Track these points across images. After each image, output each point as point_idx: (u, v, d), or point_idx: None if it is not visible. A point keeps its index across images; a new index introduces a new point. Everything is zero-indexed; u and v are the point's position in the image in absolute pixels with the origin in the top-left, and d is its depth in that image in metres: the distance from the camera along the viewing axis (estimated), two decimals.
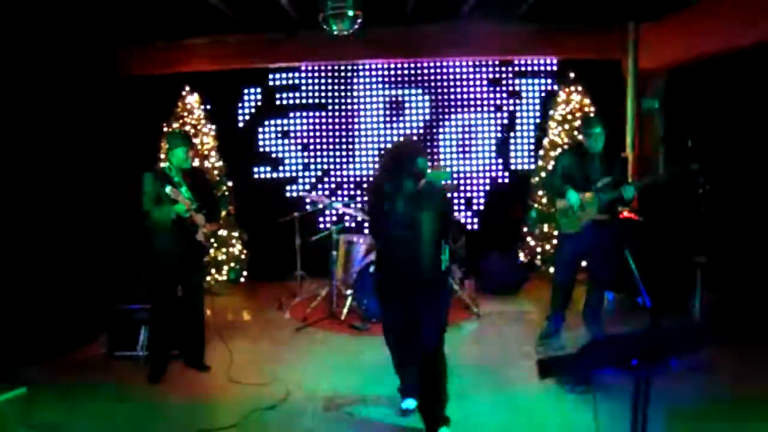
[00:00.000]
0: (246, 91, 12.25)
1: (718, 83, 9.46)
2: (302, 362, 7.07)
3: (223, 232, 11.37)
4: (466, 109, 12.19)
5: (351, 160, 12.35)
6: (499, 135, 12.22)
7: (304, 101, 12.31)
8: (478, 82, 12.10)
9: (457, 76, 12.11)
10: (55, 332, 8.24)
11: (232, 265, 11.58)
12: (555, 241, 10.22)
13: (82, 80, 9.67)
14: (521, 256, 11.52)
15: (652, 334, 3.58)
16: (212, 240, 10.87)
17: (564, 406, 6.20)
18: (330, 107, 12.35)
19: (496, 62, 11.94)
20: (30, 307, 8.12)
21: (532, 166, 11.96)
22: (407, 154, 5.54)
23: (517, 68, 12.03)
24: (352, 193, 12.28)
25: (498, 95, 12.14)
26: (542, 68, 11.99)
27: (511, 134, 12.21)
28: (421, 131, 12.25)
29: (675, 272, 8.52)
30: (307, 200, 11.30)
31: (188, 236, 7.20)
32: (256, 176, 12.40)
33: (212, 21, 10.45)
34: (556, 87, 11.67)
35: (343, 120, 12.37)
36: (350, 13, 8.05)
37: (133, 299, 7.91)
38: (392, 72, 12.18)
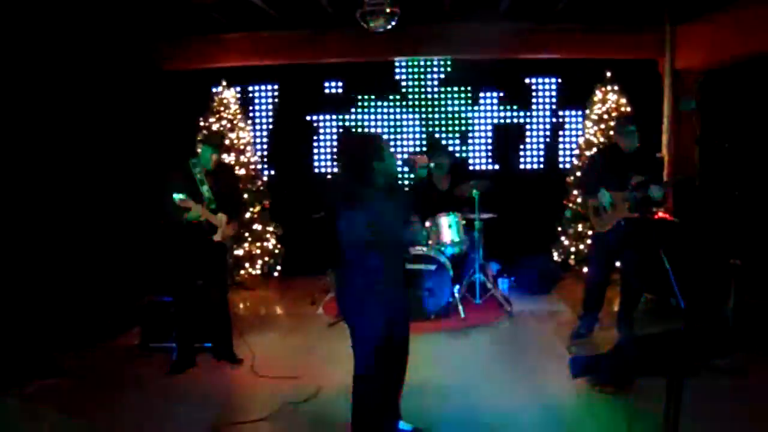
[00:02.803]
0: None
1: (755, 84, 9.36)
2: (334, 358, 7.09)
3: (257, 227, 11.43)
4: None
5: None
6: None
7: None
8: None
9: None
10: (91, 323, 8.37)
11: (266, 259, 11.63)
12: (589, 241, 10.17)
13: (121, 75, 9.76)
14: (555, 255, 11.48)
15: (685, 336, 3.57)
16: (245, 234, 10.94)
17: (596, 407, 6.14)
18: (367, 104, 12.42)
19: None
20: (67, 298, 8.25)
21: (567, 165, 11.93)
22: (375, 148, 5.18)
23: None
24: None
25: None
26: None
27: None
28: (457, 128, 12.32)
29: (709, 275, 8.45)
30: None
31: (206, 235, 7.27)
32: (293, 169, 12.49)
33: (250, 17, 10.50)
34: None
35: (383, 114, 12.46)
36: (387, 10, 8.06)
37: (166, 291, 7.97)
38: (431, 67, 12.26)
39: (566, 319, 8.94)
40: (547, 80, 12.30)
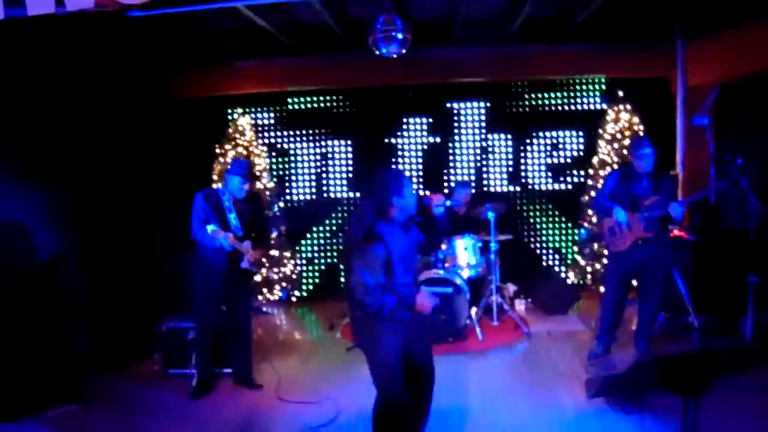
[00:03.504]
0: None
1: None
2: (353, 382, 7.12)
3: (275, 252, 11.49)
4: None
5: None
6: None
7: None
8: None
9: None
10: (113, 348, 8.44)
11: (284, 284, 11.69)
12: (605, 261, 10.18)
13: (135, 103, 9.86)
14: (572, 276, 11.49)
15: (702, 355, 3.58)
16: (264, 260, 11.00)
17: (614, 427, 6.16)
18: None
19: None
20: (89, 323, 8.33)
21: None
22: (397, 183, 5.17)
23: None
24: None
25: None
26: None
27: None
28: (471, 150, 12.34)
29: (726, 292, 8.44)
30: None
31: (233, 262, 7.31)
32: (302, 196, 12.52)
33: (263, 44, 10.60)
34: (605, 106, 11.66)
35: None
36: (399, 36, 8.13)
37: (186, 318, 8.03)
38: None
39: (584, 339, 8.93)
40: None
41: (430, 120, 12.32)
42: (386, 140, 12.32)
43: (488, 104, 12.22)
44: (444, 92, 12.20)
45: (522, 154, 12.27)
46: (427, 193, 11.68)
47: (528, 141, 12.22)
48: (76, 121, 8.56)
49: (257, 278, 11.16)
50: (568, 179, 12.22)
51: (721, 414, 5.86)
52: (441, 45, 11.00)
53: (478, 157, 12.34)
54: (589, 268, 11.24)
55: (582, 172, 12.04)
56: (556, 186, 12.25)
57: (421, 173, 12.38)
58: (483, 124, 12.30)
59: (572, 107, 12.11)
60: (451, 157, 12.37)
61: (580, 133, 12.10)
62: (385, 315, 4.97)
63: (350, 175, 12.44)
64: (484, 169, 12.36)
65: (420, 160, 12.39)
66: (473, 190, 10.87)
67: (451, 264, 9.61)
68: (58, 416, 6.85)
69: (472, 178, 12.26)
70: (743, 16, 9.23)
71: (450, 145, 12.36)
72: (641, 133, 10.79)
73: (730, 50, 9.89)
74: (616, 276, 7.97)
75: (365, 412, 5.22)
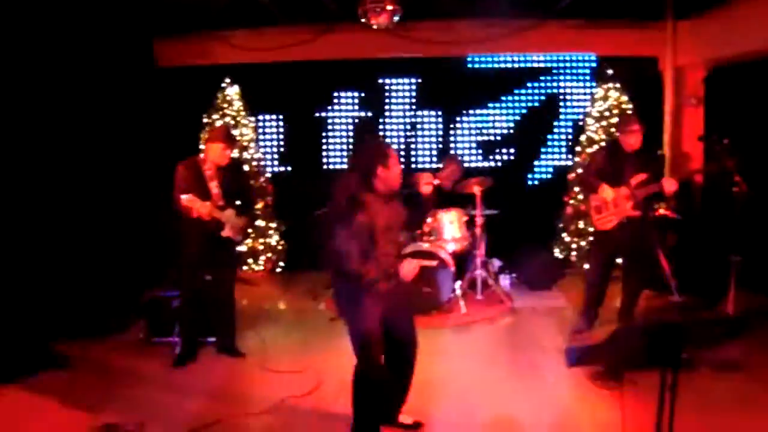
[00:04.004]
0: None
1: (760, 81, 9.36)
2: (335, 352, 7.11)
3: (260, 223, 11.49)
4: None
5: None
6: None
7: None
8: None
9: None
10: (98, 316, 8.45)
11: (269, 255, 11.69)
12: (590, 238, 10.20)
13: (120, 71, 9.77)
14: (556, 252, 11.51)
15: (681, 324, 3.60)
16: (249, 230, 10.97)
17: (593, 401, 6.21)
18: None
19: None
20: (74, 290, 8.33)
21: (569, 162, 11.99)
22: (383, 155, 5.18)
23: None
24: None
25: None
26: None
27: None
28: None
29: (710, 271, 8.49)
30: None
31: (214, 231, 7.30)
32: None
33: (253, 13, 10.53)
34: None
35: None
36: (389, 7, 8.09)
37: (171, 286, 8.04)
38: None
39: (567, 315, 8.96)
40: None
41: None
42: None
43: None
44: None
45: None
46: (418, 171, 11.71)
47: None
48: (54, 89, 8.47)
49: (242, 248, 11.13)
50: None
51: (699, 388, 5.93)
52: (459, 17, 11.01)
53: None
54: (574, 245, 11.27)
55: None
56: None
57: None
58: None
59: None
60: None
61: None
62: (366, 284, 4.99)
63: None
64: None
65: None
66: (459, 165, 10.82)
67: (437, 237, 9.62)
68: (41, 383, 6.84)
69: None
70: None
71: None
72: (629, 112, 10.79)
73: (720, 31, 9.88)
74: (601, 254, 7.99)
75: (347, 382, 5.24)
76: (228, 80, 11.51)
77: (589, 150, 10.89)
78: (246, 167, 11.02)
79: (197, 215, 6.99)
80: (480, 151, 12.29)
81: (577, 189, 11.05)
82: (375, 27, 8.33)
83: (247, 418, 6.02)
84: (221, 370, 7.34)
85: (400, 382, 5.53)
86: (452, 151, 12.22)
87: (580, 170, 10.81)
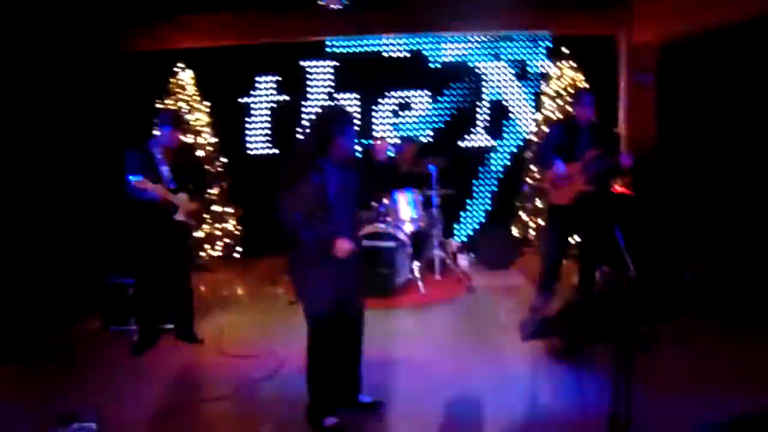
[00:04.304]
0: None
1: (713, 58, 9.43)
2: (294, 335, 7.02)
3: (217, 208, 11.40)
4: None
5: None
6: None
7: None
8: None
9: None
10: (52, 307, 8.34)
11: (226, 240, 11.61)
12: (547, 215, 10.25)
13: (78, 57, 9.67)
14: (514, 231, 11.55)
15: (634, 295, 3.61)
16: (205, 215, 10.90)
17: (553, 377, 6.25)
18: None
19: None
20: (27, 282, 8.21)
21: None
22: (339, 121, 5.21)
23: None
24: None
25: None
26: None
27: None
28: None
29: (666, 247, 8.56)
30: None
31: (167, 215, 7.23)
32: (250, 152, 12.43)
33: None
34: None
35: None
36: None
37: (128, 273, 7.95)
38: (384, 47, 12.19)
39: (525, 293, 8.99)
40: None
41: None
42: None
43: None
44: None
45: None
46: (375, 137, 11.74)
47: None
48: (10, 72, 8.36)
49: (200, 234, 11.05)
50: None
51: (654, 363, 5.98)
52: None
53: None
54: (531, 224, 11.31)
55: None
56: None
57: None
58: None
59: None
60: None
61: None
62: (311, 248, 5.02)
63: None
64: None
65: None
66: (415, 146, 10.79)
67: (393, 218, 9.61)
68: None
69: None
70: None
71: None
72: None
73: (674, 8, 9.92)
74: (557, 229, 8.03)
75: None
76: (182, 65, 11.38)
77: (544, 128, 10.92)
78: (201, 152, 10.94)
79: (150, 189, 6.91)
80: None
81: (533, 167, 11.08)
82: (327, 7, 8.26)
83: (206, 403, 5.99)
84: (179, 357, 7.27)
85: (351, 359, 5.53)
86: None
87: (535, 148, 10.84)
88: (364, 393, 5.68)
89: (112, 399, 6.13)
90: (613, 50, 11.23)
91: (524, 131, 12.11)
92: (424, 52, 12.07)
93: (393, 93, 12.24)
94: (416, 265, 9.48)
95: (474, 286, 9.52)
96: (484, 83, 12.18)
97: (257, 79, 12.26)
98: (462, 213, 11.98)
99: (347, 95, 12.29)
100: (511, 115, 12.23)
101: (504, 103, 12.21)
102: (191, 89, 11.43)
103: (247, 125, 12.33)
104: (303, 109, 12.30)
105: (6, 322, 7.61)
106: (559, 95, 11.10)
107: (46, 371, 6.93)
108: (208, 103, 11.72)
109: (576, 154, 7.61)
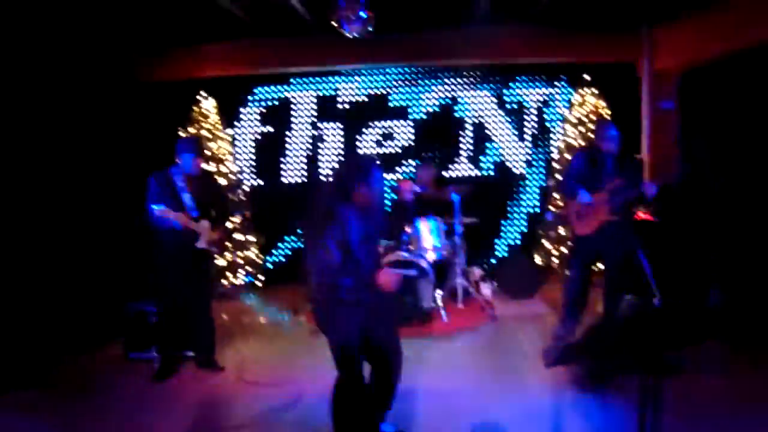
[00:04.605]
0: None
1: (734, 83, 9.39)
2: (316, 365, 7.07)
3: (239, 236, 11.41)
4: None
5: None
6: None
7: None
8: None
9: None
10: (75, 332, 8.37)
11: (249, 269, 11.61)
12: (570, 244, 10.18)
13: (99, 86, 9.75)
14: (537, 259, 11.50)
15: (657, 320, 3.57)
16: (225, 242, 10.91)
17: (577, 407, 6.16)
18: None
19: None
20: (51, 307, 8.26)
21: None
22: (363, 171, 5.14)
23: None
24: None
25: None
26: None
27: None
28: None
29: (691, 274, 8.47)
30: None
31: (189, 243, 7.25)
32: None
33: (227, 26, 10.48)
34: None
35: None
36: (363, 14, 8.06)
37: (148, 302, 7.96)
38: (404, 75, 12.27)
39: (549, 322, 8.92)
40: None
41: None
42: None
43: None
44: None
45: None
46: (399, 177, 11.72)
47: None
48: (36, 104, 8.43)
49: (222, 262, 11.07)
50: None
51: (683, 390, 5.90)
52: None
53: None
54: (555, 252, 11.25)
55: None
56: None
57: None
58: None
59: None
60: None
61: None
62: (343, 296, 4.95)
63: None
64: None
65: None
66: (433, 168, 10.77)
67: (416, 246, 9.58)
68: (15, 402, 6.74)
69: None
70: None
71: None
72: (607, 117, 10.81)
73: (696, 35, 9.90)
74: (581, 259, 7.97)
75: (327, 395, 5.19)
76: (204, 93, 11.44)
77: (567, 156, 10.89)
78: (223, 180, 10.97)
79: (174, 218, 6.93)
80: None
81: (557, 195, 11.04)
82: (349, 35, 8.27)
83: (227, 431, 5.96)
84: (200, 385, 7.25)
85: (384, 392, 5.46)
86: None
87: (559, 176, 10.81)
88: (387, 422, 5.63)
89: (132, 426, 6.14)
90: (634, 77, 11.21)
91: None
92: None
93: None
94: (439, 293, 9.43)
95: (497, 314, 9.45)
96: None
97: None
98: (485, 241, 11.95)
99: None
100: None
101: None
102: (214, 117, 11.48)
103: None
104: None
105: (28, 347, 7.63)
106: (581, 123, 11.06)
107: (66, 397, 6.92)
108: (230, 132, 11.80)
109: (599, 182, 7.57)
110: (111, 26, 9.69)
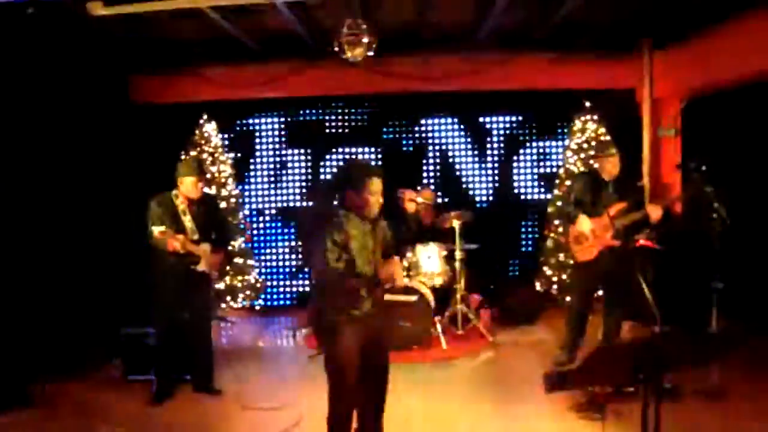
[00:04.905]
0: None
1: (735, 111, 9.40)
2: (315, 389, 6.98)
3: (239, 260, 11.40)
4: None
5: None
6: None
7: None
8: None
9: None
10: (73, 354, 8.34)
11: (248, 293, 11.58)
12: (570, 270, 10.15)
13: (97, 108, 9.76)
14: (538, 286, 11.47)
15: (659, 343, 3.54)
16: (226, 266, 10.90)
17: None
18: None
19: None
20: (48, 328, 8.23)
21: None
22: (355, 177, 5.12)
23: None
24: None
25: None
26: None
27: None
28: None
29: (691, 300, 8.45)
30: None
31: (188, 265, 7.24)
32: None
33: (229, 49, 10.52)
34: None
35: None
36: (365, 39, 8.08)
37: (147, 323, 7.94)
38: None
39: (549, 349, 8.86)
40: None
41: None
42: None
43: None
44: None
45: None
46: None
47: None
48: (30, 126, 8.43)
49: (221, 286, 11.05)
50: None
51: (684, 418, 5.87)
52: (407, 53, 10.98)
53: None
54: (555, 278, 11.22)
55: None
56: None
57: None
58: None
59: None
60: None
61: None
62: (342, 304, 4.96)
63: None
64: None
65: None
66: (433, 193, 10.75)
67: (416, 272, 9.56)
68: (12, 422, 6.71)
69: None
70: (708, 25, 9.27)
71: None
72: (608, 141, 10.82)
73: (696, 62, 9.93)
74: (582, 285, 7.96)
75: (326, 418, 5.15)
76: (205, 116, 11.46)
77: (568, 183, 10.88)
78: (224, 204, 10.97)
79: (172, 249, 6.91)
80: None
81: (557, 222, 11.02)
82: (351, 60, 8.28)
83: None
84: (198, 408, 7.22)
85: (373, 411, 5.42)
86: None
87: (559, 203, 10.79)
88: None
89: None
90: (635, 103, 11.23)
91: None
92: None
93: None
94: (438, 319, 9.39)
95: (497, 341, 9.42)
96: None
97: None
98: (486, 268, 11.94)
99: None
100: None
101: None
102: (216, 140, 11.49)
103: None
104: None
105: (26, 367, 7.60)
106: (582, 149, 11.07)
107: (63, 418, 6.89)
108: (231, 155, 11.84)
109: (600, 208, 7.55)
110: (110, 46, 9.74)
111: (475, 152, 12.33)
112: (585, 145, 11.04)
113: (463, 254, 9.71)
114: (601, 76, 11.13)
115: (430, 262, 9.61)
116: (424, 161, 12.35)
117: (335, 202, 5.11)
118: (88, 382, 8.05)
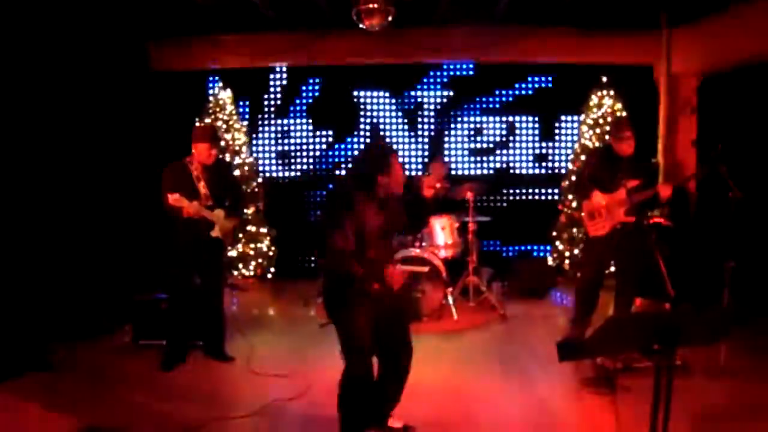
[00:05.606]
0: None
1: (753, 88, 9.33)
2: (324, 357, 7.06)
3: (251, 228, 11.41)
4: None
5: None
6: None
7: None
8: None
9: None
10: (86, 318, 8.40)
11: (260, 261, 11.61)
12: (582, 245, 10.13)
13: (114, 74, 9.77)
14: (550, 260, 11.46)
15: (673, 315, 3.53)
16: (239, 234, 10.91)
17: (587, 406, 6.16)
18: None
19: None
20: (62, 293, 8.28)
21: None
22: (383, 162, 5.12)
23: None
24: None
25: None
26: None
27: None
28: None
29: (704, 278, 8.42)
30: None
31: (204, 231, 7.25)
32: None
33: (246, 17, 10.48)
34: None
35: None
36: (382, 8, 8.04)
37: (159, 289, 7.97)
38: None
39: (559, 323, 8.91)
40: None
41: None
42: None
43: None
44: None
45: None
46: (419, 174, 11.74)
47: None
48: (49, 92, 8.44)
49: (233, 253, 11.08)
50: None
51: (693, 394, 5.88)
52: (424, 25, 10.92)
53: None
54: (567, 253, 11.21)
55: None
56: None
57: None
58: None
59: None
60: None
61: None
62: (353, 284, 4.96)
63: None
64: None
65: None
66: (444, 164, 10.73)
67: (428, 243, 9.56)
68: (27, 384, 6.75)
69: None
70: (727, 3, 9.20)
71: None
72: (622, 117, 10.75)
73: (714, 39, 9.86)
74: (594, 260, 7.91)
75: (335, 387, 5.16)
76: (220, 84, 11.44)
77: (584, 158, 10.83)
78: (237, 171, 10.97)
79: (186, 215, 6.92)
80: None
81: (570, 197, 10.99)
82: (368, 29, 8.26)
83: (233, 421, 5.94)
84: (209, 374, 7.26)
85: (392, 386, 5.44)
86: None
87: (573, 177, 10.76)
88: (395, 418, 5.61)
89: (139, 413, 6.12)
90: (652, 79, 11.16)
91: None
92: None
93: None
94: (450, 291, 9.40)
95: (508, 313, 9.42)
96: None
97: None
98: (498, 240, 11.93)
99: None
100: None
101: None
102: (230, 108, 11.49)
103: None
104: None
105: (37, 331, 7.65)
106: (597, 124, 11.01)
107: (74, 382, 6.91)
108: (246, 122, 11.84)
109: (614, 184, 7.51)
110: (127, 13, 9.72)
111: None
112: (601, 121, 10.98)
113: (476, 226, 9.71)
114: (621, 51, 11.05)
115: (442, 233, 9.61)
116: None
117: (357, 186, 5.09)
118: (99, 346, 8.09)
